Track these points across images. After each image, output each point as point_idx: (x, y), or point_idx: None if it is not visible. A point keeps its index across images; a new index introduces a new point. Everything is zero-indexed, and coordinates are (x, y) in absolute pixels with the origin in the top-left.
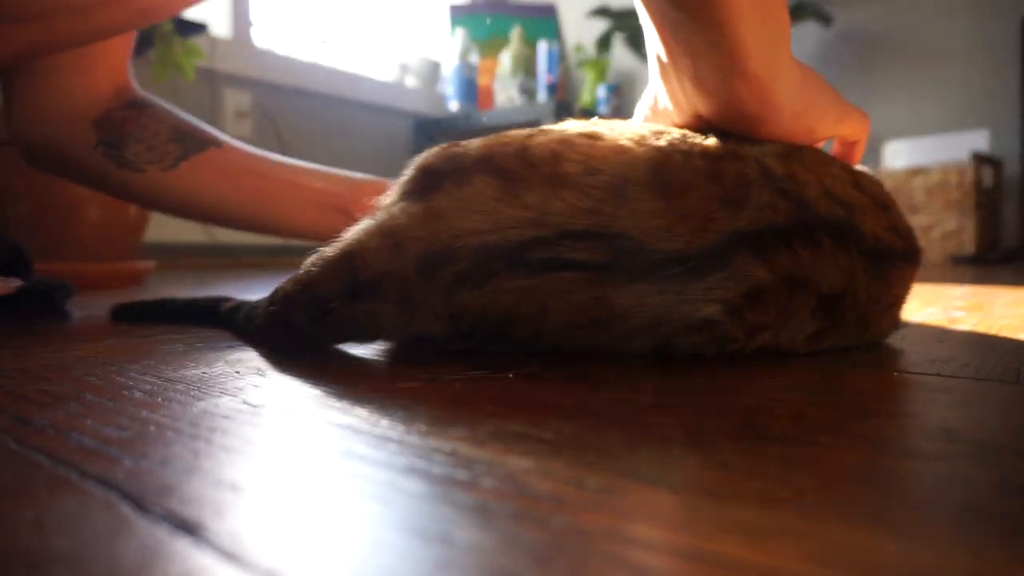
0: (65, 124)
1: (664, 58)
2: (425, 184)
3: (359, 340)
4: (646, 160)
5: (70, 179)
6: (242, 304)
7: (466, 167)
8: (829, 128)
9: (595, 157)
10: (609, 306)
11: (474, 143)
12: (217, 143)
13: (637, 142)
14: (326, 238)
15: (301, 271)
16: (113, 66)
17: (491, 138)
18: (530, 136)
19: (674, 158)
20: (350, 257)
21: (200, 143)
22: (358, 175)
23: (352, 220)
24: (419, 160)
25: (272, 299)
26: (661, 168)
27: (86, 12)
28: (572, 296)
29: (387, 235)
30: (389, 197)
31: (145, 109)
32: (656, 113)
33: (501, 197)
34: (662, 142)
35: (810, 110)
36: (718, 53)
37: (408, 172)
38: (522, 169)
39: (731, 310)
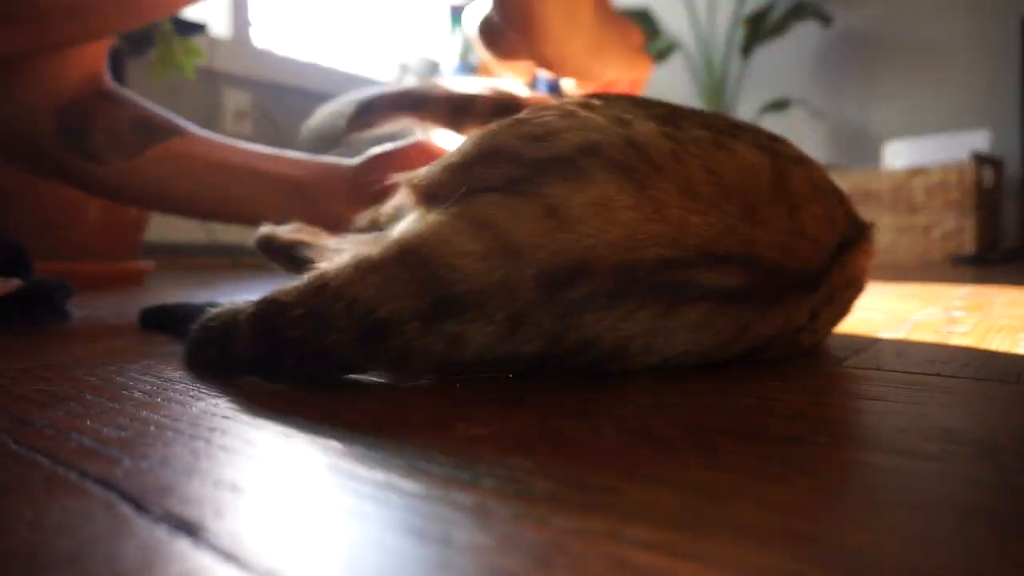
0: (28, 110)
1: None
2: (508, 174)
3: (407, 371)
4: (767, 170)
5: (30, 170)
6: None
7: (570, 157)
8: (607, 73)
9: (712, 159)
10: (752, 334)
11: (543, 122)
12: (180, 132)
13: (742, 140)
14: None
15: (326, 278)
16: (85, 55)
17: (550, 119)
18: (595, 123)
19: (789, 169)
20: (426, 263)
21: (162, 132)
22: (322, 159)
23: (313, 205)
24: (484, 140)
25: (271, 317)
26: (783, 181)
27: (83, 13)
28: (712, 327)
29: (491, 237)
30: (435, 181)
31: (110, 98)
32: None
33: (636, 206)
34: (771, 146)
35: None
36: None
37: (465, 151)
38: (645, 168)
39: (813, 316)
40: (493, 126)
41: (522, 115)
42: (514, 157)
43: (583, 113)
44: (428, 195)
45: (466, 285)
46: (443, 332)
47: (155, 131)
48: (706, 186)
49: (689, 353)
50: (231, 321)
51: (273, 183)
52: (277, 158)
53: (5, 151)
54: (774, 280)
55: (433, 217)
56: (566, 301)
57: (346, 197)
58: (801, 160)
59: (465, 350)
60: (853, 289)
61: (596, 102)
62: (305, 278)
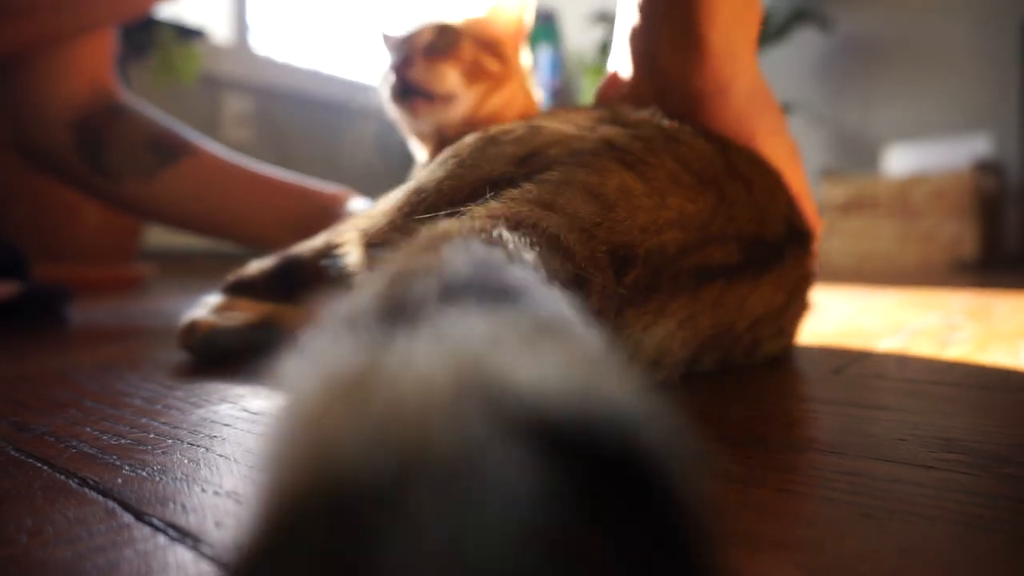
0: (47, 128)
1: (630, 25)
2: (514, 173)
3: None
4: (717, 154)
5: (63, 184)
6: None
7: (580, 151)
8: (766, 144)
9: (676, 152)
10: (748, 309)
11: (516, 137)
12: (191, 151)
13: (684, 131)
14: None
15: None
16: (92, 68)
17: (521, 134)
18: (594, 121)
19: (729, 151)
20: (555, 245)
21: (174, 152)
22: (326, 189)
23: (310, 232)
24: (458, 170)
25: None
26: (730, 162)
27: (71, 6)
28: (723, 306)
29: (576, 223)
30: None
31: (123, 115)
32: (608, 87)
33: (648, 194)
34: (704, 133)
35: (754, 114)
36: (679, 20)
37: (418, 201)
38: (635, 162)
39: (787, 300)
40: (463, 157)
41: (490, 133)
42: (512, 160)
43: (548, 125)
44: (379, 238)
45: (575, 261)
46: None
47: (168, 151)
48: (685, 175)
49: (710, 341)
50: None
51: (279, 215)
52: (284, 188)
53: (37, 165)
54: (758, 251)
55: (512, 191)
56: (627, 286)
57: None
58: (727, 141)
59: None
60: (806, 282)
61: (541, 121)
62: None
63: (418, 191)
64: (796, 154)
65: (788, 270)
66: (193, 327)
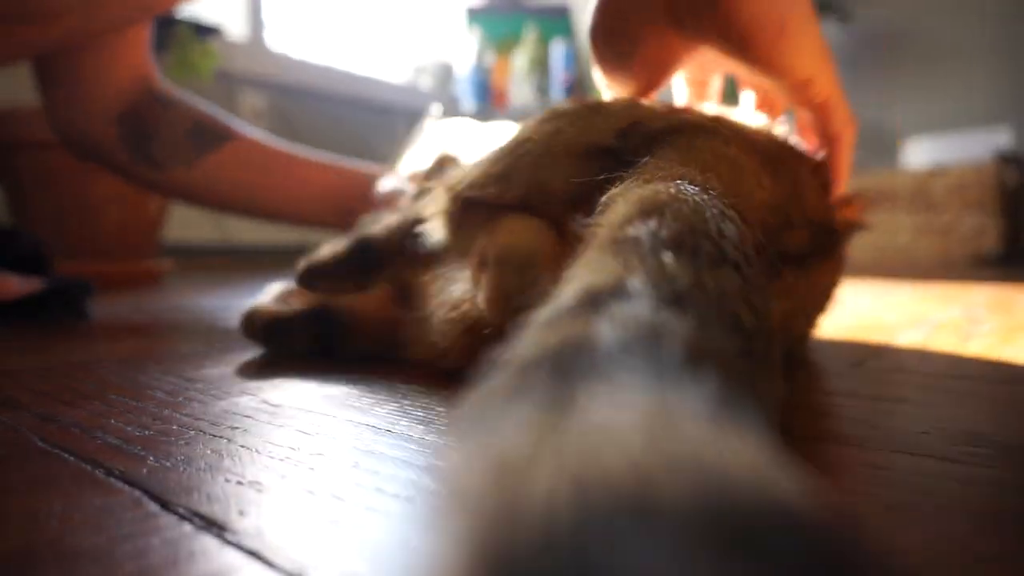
0: (94, 120)
1: None
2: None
3: None
4: (769, 136)
5: (111, 173)
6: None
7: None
8: (798, 36)
9: (711, 147)
10: (820, 292)
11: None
12: (232, 136)
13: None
14: (332, 228)
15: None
16: (133, 60)
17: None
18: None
19: (772, 143)
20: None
21: (216, 138)
22: (362, 167)
23: (346, 209)
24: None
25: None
26: (770, 154)
27: (89, 9)
28: (791, 292)
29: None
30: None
31: (165, 103)
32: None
33: (753, 171)
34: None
35: (805, 52)
36: None
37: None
38: (738, 136)
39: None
40: (572, 118)
41: (590, 103)
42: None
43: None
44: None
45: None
46: None
47: (210, 137)
48: (734, 165)
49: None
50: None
51: (317, 191)
52: (321, 166)
53: (82, 156)
54: (823, 236)
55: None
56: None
57: (373, 201)
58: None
59: None
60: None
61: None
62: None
63: (523, 141)
64: (828, 52)
65: (833, 264)
66: (253, 315)
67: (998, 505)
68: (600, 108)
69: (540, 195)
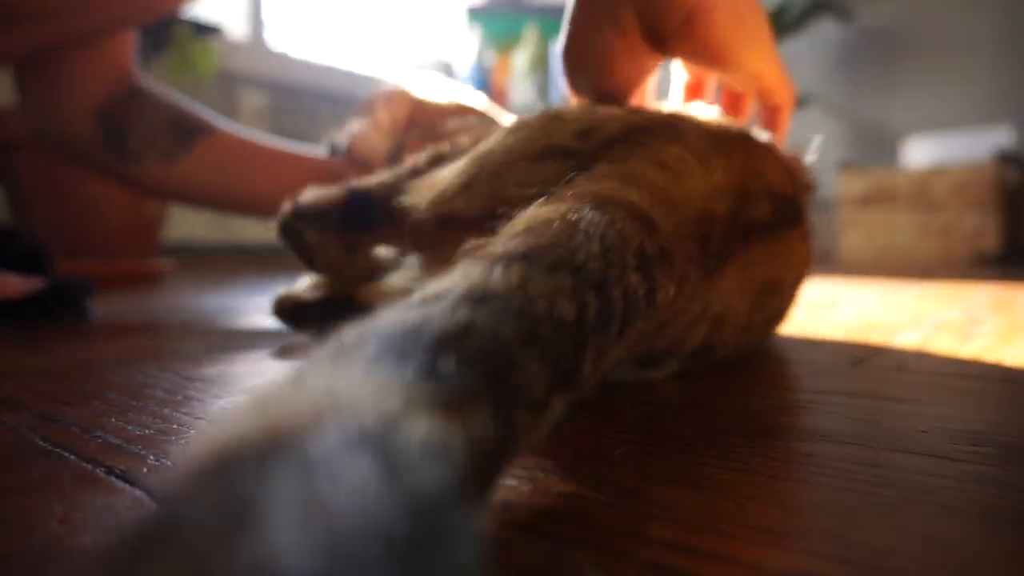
0: (70, 115)
1: None
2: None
3: None
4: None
5: (88, 170)
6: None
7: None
8: (766, 72)
9: (698, 121)
10: (792, 267)
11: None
12: (211, 131)
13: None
14: None
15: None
16: (113, 54)
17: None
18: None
19: (723, 130)
20: (641, 218)
21: (194, 133)
22: (329, 159)
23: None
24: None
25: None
26: (722, 138)
27: (86, 11)
28: (761, 265)
29: (654, 194)
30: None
31: (143, 99)
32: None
33: (699, 163)
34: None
35: (741, 32)
36: None
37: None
38: (682, 129)
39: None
40: (533, 127)
41: (552, 112)
42: (568, 152)
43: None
44: None
45: (661, 237)
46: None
47: (189, 132)
48: (678, 160)
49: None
50: None
51: (297, 184)
52: (301, 160)
53: (60, 152)
54: (785, 206)
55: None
56: (711, 256)
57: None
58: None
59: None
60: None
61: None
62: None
63: (486, 153)
64: (773, 42)
65: (801, 232)
66: (281, 299)
67: (999, 504)
68: (560, 114)
69: (504, 202)
